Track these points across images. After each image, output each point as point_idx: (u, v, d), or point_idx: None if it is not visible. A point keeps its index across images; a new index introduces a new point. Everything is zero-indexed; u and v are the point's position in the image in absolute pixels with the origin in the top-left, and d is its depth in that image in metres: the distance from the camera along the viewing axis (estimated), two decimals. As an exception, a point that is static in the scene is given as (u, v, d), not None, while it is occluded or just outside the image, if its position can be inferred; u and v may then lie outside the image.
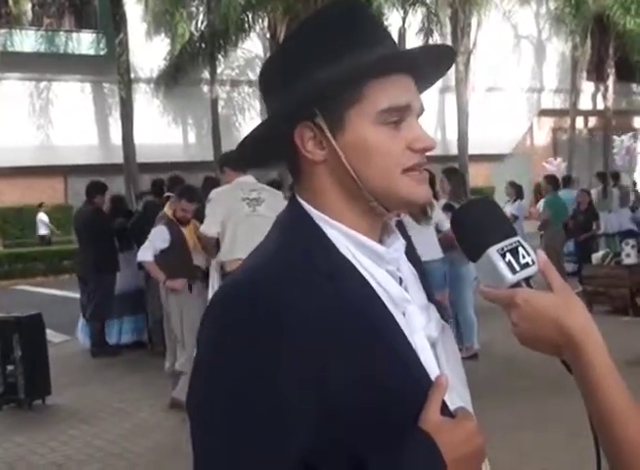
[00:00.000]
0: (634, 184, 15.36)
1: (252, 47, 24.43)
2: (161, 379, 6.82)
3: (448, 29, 23.55)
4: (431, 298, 1.24)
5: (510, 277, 1.08)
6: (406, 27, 22.55)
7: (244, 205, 5.83)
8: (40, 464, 5.39)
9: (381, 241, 1.18)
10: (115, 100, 21.55)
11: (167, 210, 6.66)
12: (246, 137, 1.17)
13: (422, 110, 1.16)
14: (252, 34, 22.92)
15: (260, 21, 22.30)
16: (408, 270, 1.22)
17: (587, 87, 31.14)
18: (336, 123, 1.10)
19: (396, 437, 1.04)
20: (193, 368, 1.09)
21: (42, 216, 21.57)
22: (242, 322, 1.02)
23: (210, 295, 5.49)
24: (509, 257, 1.09)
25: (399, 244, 1.19)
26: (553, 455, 4.85)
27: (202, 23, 22.32)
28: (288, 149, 1.14)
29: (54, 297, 14.54)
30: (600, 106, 31.70)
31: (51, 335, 8.53)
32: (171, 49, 22.83)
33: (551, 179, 12.01)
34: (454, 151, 24.05)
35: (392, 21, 22.15)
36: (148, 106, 23.29)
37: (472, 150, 24.48)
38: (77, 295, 9.77)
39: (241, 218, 5.76)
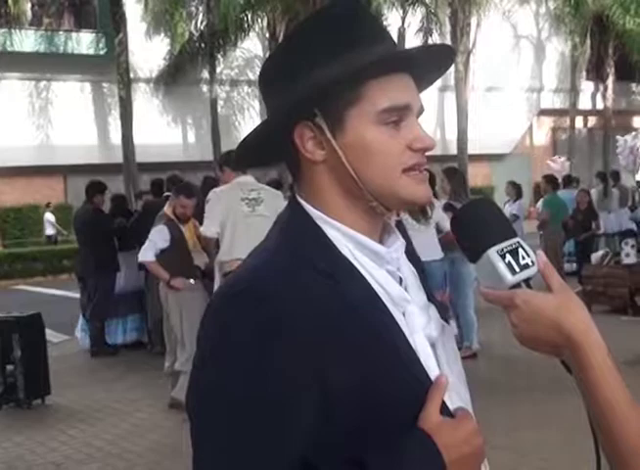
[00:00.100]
0: (638, 184, 15.29)
1: (252, 47, 24.45)
2: (161, 379, 6.83)
3: (448, 29, 23.55)
4: (431, 298, 1.24)
5: (510, 278, 1.08)
6: (405, 27, 22.56)
7: (243, 205, 5.83)
8: (39, 464, 5.39)
9: (381, 241, 1.18)
10: (115, 100, 21.55)
11: (167, 209, 6.65)
12: (246, 137, 1.17)
13: (422, 109, 1.16)
14: (252, 34, 22.94)
15: (260, 20, 22.31)
16: (408, 270, 1.22)
17: (587, 87, 31.16)
18: (336, 123, 1.10)
19: (396, 437, 1.04)
20: (192, 367, 1.09)
21: (49, 216, 21.61)
22: (242, 321, 1.02)
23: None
24: (509, 258, 1.09)
25: (399, 244, 1.19)
26: (551, 455, 4.85)
27: (201, 22, 22.34)
28: (288, 149, 1.14)
29: (53, 296, 14.54)
30: (599, 105, 31.72)
31: (50, 335, 8.53)
32: (171, 49, 22.86)
33: (550, 179, 12.01)
34: (453, 150, 24.05)
35: (392, 20, 22.16)
36: (147, 105, 23.28)
37: (471, 149, 24.48)
38: (77, 295, 9.78)
39: (240, 218, 5.76)
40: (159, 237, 6.39)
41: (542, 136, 32.53)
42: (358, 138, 1.10)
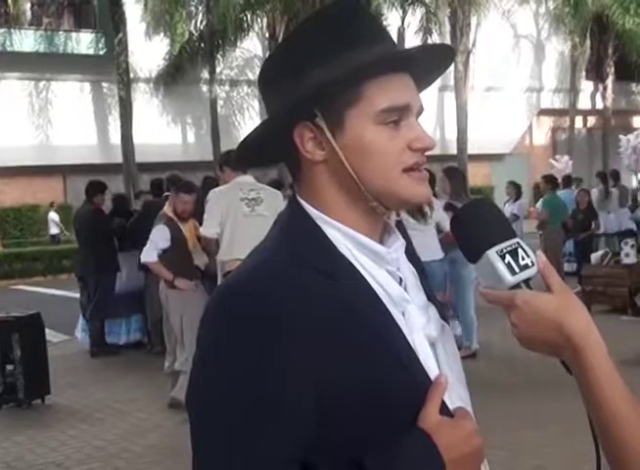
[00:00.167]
0: None
1: (252, 47, 24.46)
2: (161, 379, 6.82)
3: (447, 29, 23.55)
4: (430, 297, 1.24)
5: (509, 279, 1.09)
6: (405, 27, 22.57)
7: (242, 205, 5.83)
8: (39, 464, 5.39)
9: (381, 241, 1.18)
10: (115, 100, 21.56)
11: (167, 208, 6.65)
12: (246, 137, 1.17)
13: (421, 109, 1.16)
14: (252, 34, 22.96)
15: (259, 20, 22.33)
16: (408, 270, 1.22)
17: (586, 87, 31.16)
18: (335, 123, 1.10)
19: (396, 436, 1.04)
20: (192, 367, 1.09)
21: (53, 215, 21.65)
22: (241, 321, 1.03)
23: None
24: (508, 258, 1.09)
25: (399, 244, 1.19)
26: (551, 455, 4.85)
27: (201, 22, 22.35)
28: (288, 149, 1.14)
29: (53, 296, 14.54)
30: (599, 105, 31.73)
31: (50, 335, 8.53)
32: (170, 49, 22.87)
33: (549, 179, 12.02)
34: (453, 150, 24.06)
35: (392, 20, 22.17)
36: (147, 105, 23.28)
37: (471, 149, 24.49)
38: (77, 295, 9.77)
39: (239, 218, 5.76)
40: (159, 237, 6.38)
41: (542, 136, 32.53)
42: (358, 138, 1.10)
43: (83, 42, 23.12)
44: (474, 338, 7.54)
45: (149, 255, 6.39)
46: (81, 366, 8.45)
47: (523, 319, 1.08)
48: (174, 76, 22.99)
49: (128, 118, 20.19)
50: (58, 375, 7.32)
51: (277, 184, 8.37)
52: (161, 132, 23.56)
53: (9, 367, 6.65)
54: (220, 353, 1.04)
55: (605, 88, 30.76)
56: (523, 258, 1.09)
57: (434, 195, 7.28)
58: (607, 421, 1.04)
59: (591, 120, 33.03)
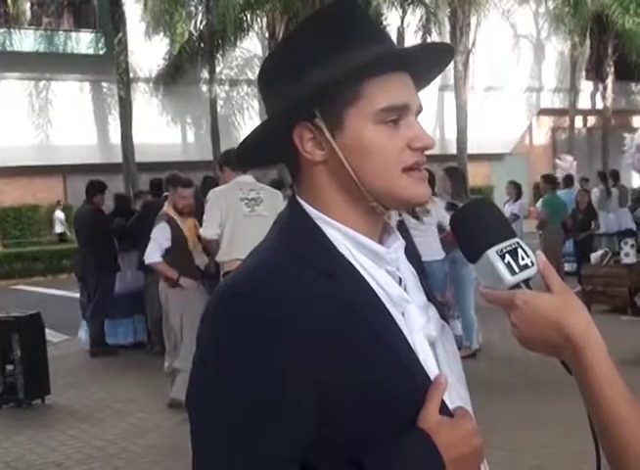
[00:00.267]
0: None
1: (251, 46, 24.45)
2: (161, 379, 6.82)
3: (447, 29, 23.55)
4: (430, 297, 1.24)
5: (509, 279, 1.09)
6: (405, 27, 22.57)
7: (242, 205, 5.83)
8: (39, 464, 5.39)
9: (381, 241, 1.18)
10: (114, 99, 21.56)
11: (167, 207, 6.64)
12: (246, 138, 1.17)
13: (420, 108, 1.16)
14: (251, 34, 22.96)
15: (259, 20, 22.33)
16: (408, 270, 1.21)
17: (586, 86, 31.15)
18: (335, 123, 1.10)
19: (395, 436, 1.04)
20: (192, 367, 1.09)
21: (59, 214, 21.69)
22: (241, 321, 1.03)
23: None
24: (508, 258, 1.09)
25: (399, 244, 1.19)
26: (551, 454, 4.85)
27: (200, 22, 22.35)
28: (287, 149, 1.14)
29: (53, 296, 14.54)
30: (599, 105, 31.73)
31: (50, 335, 8.52)
32: (170, 49, 22.86)
33: (549, 179, 12.02)
34: (453, 150, 24.06)
35: (391, 20, 22.18)
36: (147, 105, 23.28)
37: (471, 149, 24.49)
38: (77, 295, 9.78)
39: (239, 219, 5.76)
40: (161, 236, 6.36)
41: (542, 136, 32.53)
42: (357, 138, 1.10)
43: (83, 42, 23.11)
44: (474, 338, 7.55)
45: (153, 255, 6.35)
46: (81, 366, 8.45)
47: (522, 319, 1.08)
48: (174, 76, 22.99)
49: (128, 118, 20.19)
50: (58, 375, 7.32)
51: (277, 184, 8.37)
52: (161, 132, 23.55)
53: (9, 367, 6.65)
54: (220, 353, 1.04)
55: (605, 88, 30.76)
56: (522, 258, 1.09)
57: (434, 194, 7.29)
58: (607, 421, 1.04)
59: (591, 120, 33.03)
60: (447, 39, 22.86)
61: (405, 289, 1.17)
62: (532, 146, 32.07)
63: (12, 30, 21.35)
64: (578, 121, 31.25)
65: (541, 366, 5.98)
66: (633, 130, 17.13)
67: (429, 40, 21.98)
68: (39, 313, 7.06)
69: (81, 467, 5.28)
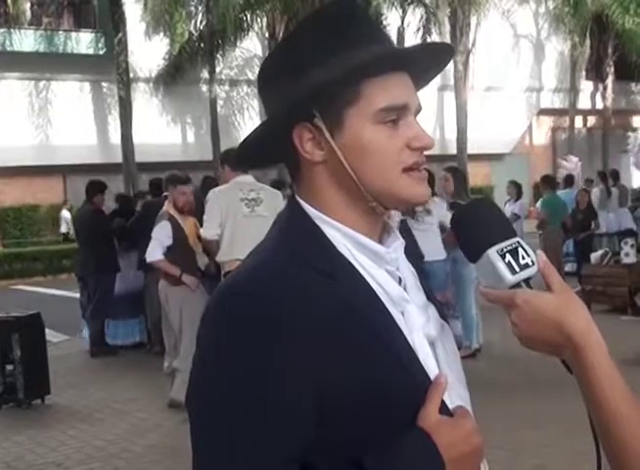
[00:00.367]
0: None
1: (251, 46, 24.45)
2: (161, 379, 6.82)
3: (447, 29, 23.54)
4: (430, 297, 1.24)
5: (510, 278, 1.09)
6: (405, 27, 22.56)
7: (242, 205, 5.83)
8: (39, 464, 5.39)
9: (380, 241, 1.18)
10: (114, 99, 21.55)
11: (167, 206, 6.64)
12: (246, 138, 1.17)
13: (419, 108, 1.16)
14: (251, 34, 22.95)
15: (259, 20, 22.33)
16: (407, 270, 1.21)
17: (586, 86, 31.15)
18: (334, 124, 1.10)
19: (395, 436, 1.04)
20: (192, 367, 1.09)
21: (65, 214, 21.70)
22: (241, 320, 1.03)
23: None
24: (508, 257, 1.09)
25: (399, 244, 1.19)
26: (551, 454, 4.86)
27: (200, 22, 22.35)
28: (287, 149, 1.14)
29: (53, 296, 14.54)
30: (599, 105, 31.72)
31: (50, 335, 8.53)
32: (170, 49, 22.85)
33: (548, 179, 12.02)
34: (453, 150, 24.05)
35: (391, 20, 22.18)
36: (147, 105, 23.28)
37: (471, 149, 24.47)
38: (77, 295, 9.78)
39: (239, 219, 5.76)
40: (163, 234, 6.35)
41: (542, 136, 32.52)
42: (357, 138, 1.10)
43: (83, 42, 23.11)
44: (474, 337, 7.55)
45: (154, 253, 6.34)
46: (81, 366, 8.46)
47: (523, 318, 1.08)
48: (174, 76, 22.98)
49: (128, 118, 20.19)
50: (58, 375, 7.32)
51: (277, 184, 8.37)
52: (161, 132, 23.55)
53: (9, 367, 6.66)
54: (220, 353, 1.04)
55: (605, 88, 30.75)
56: (523, 258, 1.09)
57: (434, 194, 7.29)
58: (607, 420, 1.04)
59: (591, 120, 33.02)
60: (447, 39, 22.85)
61: (405, 288, 1.17)
62: (532, 146, 32.06)
63: (12, 30, 21.34)
64: (578, 121, 31.24)
65: (541, 366, 5.98)
66: (633, 130, 17.10)
67: (429, 40, 21.97)
68: (39, 313, 7.06)
69: (81, 467, 5.28)
